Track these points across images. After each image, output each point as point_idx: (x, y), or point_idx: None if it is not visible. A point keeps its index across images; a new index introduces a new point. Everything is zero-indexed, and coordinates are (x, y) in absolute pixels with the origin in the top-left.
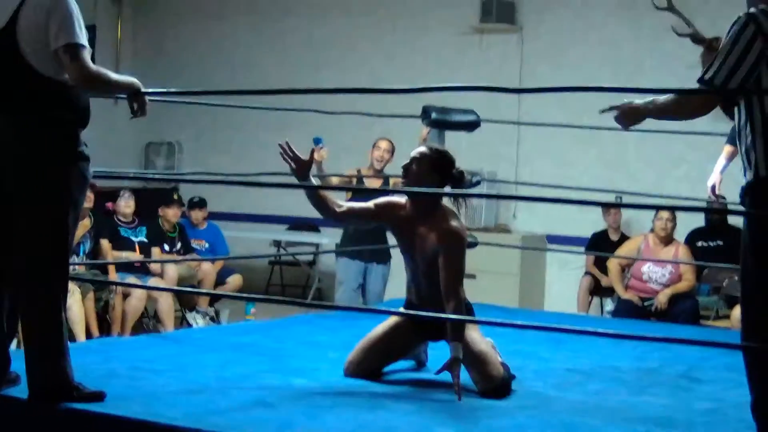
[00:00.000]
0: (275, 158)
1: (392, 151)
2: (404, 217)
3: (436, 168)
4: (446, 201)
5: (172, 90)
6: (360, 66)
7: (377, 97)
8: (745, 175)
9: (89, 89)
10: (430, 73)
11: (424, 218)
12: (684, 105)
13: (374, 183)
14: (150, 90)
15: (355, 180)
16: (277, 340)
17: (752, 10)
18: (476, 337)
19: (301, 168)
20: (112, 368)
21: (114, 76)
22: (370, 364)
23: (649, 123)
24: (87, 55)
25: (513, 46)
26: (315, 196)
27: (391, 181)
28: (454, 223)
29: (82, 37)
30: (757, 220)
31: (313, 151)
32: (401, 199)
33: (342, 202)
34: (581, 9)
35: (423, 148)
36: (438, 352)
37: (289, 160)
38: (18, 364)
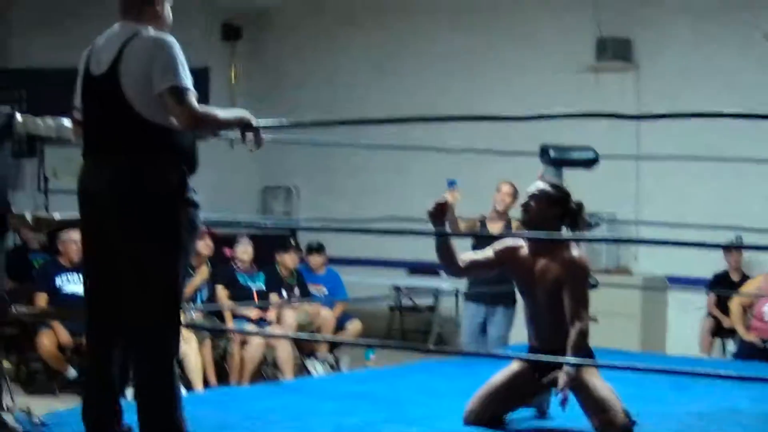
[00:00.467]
0: (392, 202)
1: (514, 194)
2: (524, 256)
3: (554, 202)
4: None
5: (285, 123)
6: (475, 105)
7: (495, 138)
8: None
9: (198, 131)
10: (545, 112)
11: (544, 252)
12: None
13: (496, 226)
14: (262, 122)
15: (478, 226)
16: (397, 388)
17: None
18: (598, 383)
19: (440, 213)
20: (228, 419)
21: (221, 113)
22: (490, 412)
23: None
24: (192, 97)
25: (629, 83)
26: (443, 246)
27: (513, 223)
28: (575, 252)
29: (187, 80)
30: None
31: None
32: (519, 240)
33: (463, 255)
34: (696, 43)
35: (539, 184)
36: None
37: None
38: (131, 415)
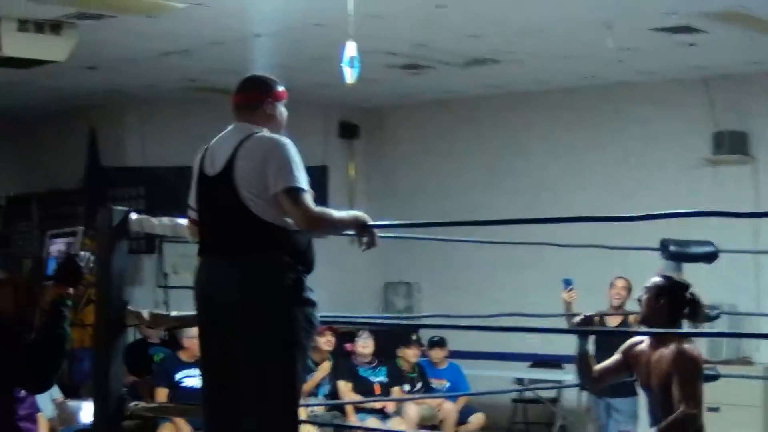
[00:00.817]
0: (512, 297)
1: (629, 288)
2: (643, 350)
3: (666, 293)
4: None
5: (402, 222)
6: (592, 204)
7: (613, 235)
8: None
9: (315, 231)
10: (664, 208)
11: (660, 345)
12: None
13: (613, 321)
14: (378, 222)
15: (597, 322)
16: None
17: None
18: None
19: (587, 325)
20: None
21: (337, 214)
22: None
23: None
24: (309, 198)
25: (746, 177)
26: (583, 361)
27: (630, 318)
28: (687, 345)
29: (302, 181)
30: None
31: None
32: (640, 336)
33: (596, 366)
34: None
35: (655, 278)
36: None
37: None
38: None
